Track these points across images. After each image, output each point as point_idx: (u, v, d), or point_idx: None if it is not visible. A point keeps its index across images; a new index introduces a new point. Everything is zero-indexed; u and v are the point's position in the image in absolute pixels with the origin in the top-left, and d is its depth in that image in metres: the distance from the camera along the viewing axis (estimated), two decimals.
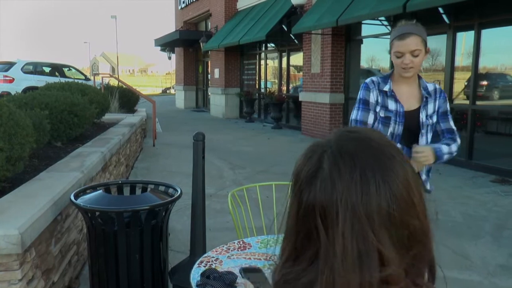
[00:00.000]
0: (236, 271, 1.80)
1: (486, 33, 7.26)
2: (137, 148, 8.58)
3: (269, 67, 15.51)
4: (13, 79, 13.56)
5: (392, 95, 2.34)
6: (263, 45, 15.28)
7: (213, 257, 1.98)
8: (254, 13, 14.41)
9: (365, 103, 2.39)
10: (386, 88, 2.35)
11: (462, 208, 5.23)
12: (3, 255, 2.13)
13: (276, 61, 14.77)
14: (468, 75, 7.63)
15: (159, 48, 23.56)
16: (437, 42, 7.99)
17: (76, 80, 10.73)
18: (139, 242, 2.60)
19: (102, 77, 13.07)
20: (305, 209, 0.73)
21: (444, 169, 7.05)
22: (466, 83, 7.74)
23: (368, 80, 2.43)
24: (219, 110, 17.27)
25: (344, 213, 0.68)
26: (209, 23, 18.58)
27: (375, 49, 10.58)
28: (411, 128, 2.33)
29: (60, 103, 4.97)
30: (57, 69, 15.65)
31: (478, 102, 7.47)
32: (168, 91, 47.06)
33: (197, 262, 1.92)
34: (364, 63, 10.71)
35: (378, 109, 2.37)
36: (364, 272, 0.67)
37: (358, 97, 2.44)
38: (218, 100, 17.45)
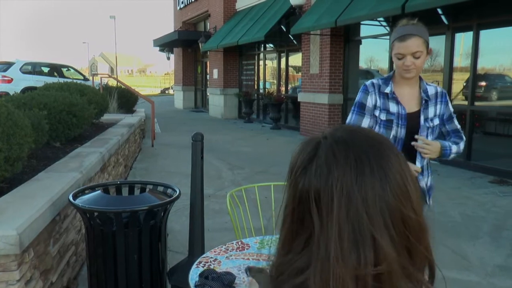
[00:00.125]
0: (235, 271, 1.80)
1: (484, 34, 7.27)
2: (135, 149, 8.58)
3: (268, 68, 15.51)
4: (12, 79, 13.54)
5: (393, 97, 2.29)
6: (262, 45, 15.29)
7: (211, 257, 1.98)
8: (253, 13, 14.41)
9: (361, 107, 2.35)
10: (387, 90, 2.30)
11: (461, 209, 5.23)
12: (1, 255, 2.13)
13: (275, 62, 14.78)
14: (466, 75, 7.64)
15: (158, 48, 23.55)
16: (436, 43, 7.99)
17: (74, 81, 10.74)
18: (137, 243, 2.60)
19: (101, 78, 13.05)
20: (300, 195, 0.73)
21: (443, 170, 7.06)
22: (464, 84, 7.75)
23: (368, 83, 2.37)
24: (218, 110, 17.27)
25: (339, 198, 0.68)
26: (208, 24, 18.58)
27: (374, 50, 10.59)
28: (413, 130, 2.28)
29: (59, 103, 4.97)
30: (55, 69, 15.63)
31: (476, 103, 7.48)
32: (167, 92, 46.99)
33: (196, 263, 1.92)
34: (363, 64, 10.72)
35: (378, 112, 2.31)
36: (360, 256, 0.67)
37: (355, 99, 2.40)
38: (216, 101, 17.45)
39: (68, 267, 3.11)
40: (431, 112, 2.31)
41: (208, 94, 19.01)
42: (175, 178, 6.43)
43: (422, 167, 2.31)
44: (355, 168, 0.70)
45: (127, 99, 11.53)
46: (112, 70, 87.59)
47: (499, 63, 7.50)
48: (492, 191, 6.04)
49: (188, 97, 21.98)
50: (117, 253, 2.58)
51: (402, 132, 2.27)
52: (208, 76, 19.35)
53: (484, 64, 7.46)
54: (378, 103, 2.31)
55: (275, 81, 14.75)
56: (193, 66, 22.06)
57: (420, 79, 2.34)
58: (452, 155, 2.31)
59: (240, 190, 2.83)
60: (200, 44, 17.07)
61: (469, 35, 7.42)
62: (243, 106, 15.75)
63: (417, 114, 2.29)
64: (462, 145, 2.37)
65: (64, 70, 15.97)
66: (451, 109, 2.42)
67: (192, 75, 22.03)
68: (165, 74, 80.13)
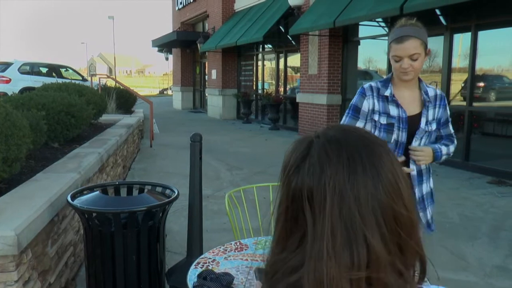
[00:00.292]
0: (233, 272, 1.80)
1: (483, 35, 7.29)
2: (134, 149, 8.57)
3: (266, 68, 15.52)
4: (10, 79, 13.52)
5: (393, 100, 2.23)
6: (261, 46, 15.29)
7: (210, 258, 1.98)
8: (251, 14, 14.42)
9: (356, 110, 2.30)
10: (387, 93, 2.23)
11: (459, 209, 5.24)
12: None
13: (274, 62, 14.78)
14: (465, 76, 7.65)
15: (156, 49, 23.56)
16: (434, 44, 8.00)
17: (73, 81, 10.73)
18: (136, 243, 2.60)
19: (100, 78, 13.03)
20: (293, 193, 0.74)
21: (441, 171, 7.06)
22: (463, 85, 7.77)
23: (366, 86, 2.31)
24: (216, 111, 17.27)
25: (332, 197, 0.69)
26: (207, 24, 18.59)
27: (372, 50, 10.59)
28: (408, 133, 2.23)
29: (57, 104, 4.96)
30: (54, 69, 15.61)
31: (475, 104, 7.49)
32: (165, 92, 47.01)
33: (194, 263, 1.92)
34: (361, 65, 10.73)
35: (377, 117, 2.24)
36: (353, 254, 0.67)
37: (351, 101, 2.35)
38: (215, 101, 17.45)
39: (66, 268, 3.11)
40: (430, 115, 2.26)
41: (206, 94, 19.00)
42: (173, 178, 6.42)
43: (420, 171, 2.29)
44: (347, 167, 0.70)
45: (125, 100, 11.51)
46: (110, 70, 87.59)
47: (498, 64, 7.51)
48: (490, 192, 6.05)
49: (186, 97, 21.97)
50: (116, 253, 2.58)
51: (403, 136, 2.21)
52: (206, 76, 19.35)
53: (483, 64, 7.48)
54: (377, 107, 2.25)
55: (274, 82, 14.75)
56: (192, 67, 22.06)
57: (420, 80, 2.29)
58: (443, 157, 2.30)
59: (239, 191, 2.83)
60: (198, 45, 17.06)
61: (468, 35, 7.44)
62: (242, 106, 15.75)
63: (418, 117, 2.24)
64: (452, 147, 2.35)
65: (62, 70, 15.95)
66: (448, 114, 2.37)
67: (190, 76, 22.02)
68: (163, 74, 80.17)
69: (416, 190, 2.27)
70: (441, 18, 7.95)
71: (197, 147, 3.07)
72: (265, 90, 15.06)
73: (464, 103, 7.60)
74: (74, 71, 16.74)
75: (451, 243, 4.19)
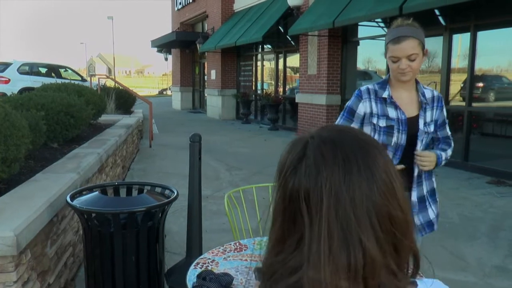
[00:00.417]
0: (233, 272, 1.80)
1: (482, 35, 7.29)
2: (133, 150, 8.57)
3: (265, 69, 15.53)
4: (9, 79, 13.51)
5: (392, 102, 2.19)
6: (260, 46, 15.30)
7: (209, 258, 1.98)
8: (250, 14, 14.42)
9: (350, 112, 2.27)
10: (385, 94, 2.20)
11: (459, 209, 5.24)
12: None
13: (273, 63, 14.79)
14: (464, 76, 7.66)
15: (155, 49, 23.55)
16: (434, 44, 8.01)
17: (72, 81, 10.72)
18: (135, 244, 2.60)
19: (99, 78, 13.03)
20: (290, 195, 0.74)
21: (440, 171, 7.05)
22: (462, 85, 7.77)
23: (363, 88, 2.26)
24: (216, 111, 17.27)
25: (328, 199, 0.70)
26: (206, 25, 18.59)
27: (371, 51, 10.60)
28: (414, 136, 2.21)
29: (57, 104, 4.96)
30: (53, 70, 15.60)
31: (474, 104, 7.50)
32: (164, 92, 47.00)
33: (193, 264, 1.92)
34: (360, 65, 10.73)
35: (376, 119, 2.20)
36: (350, 255, 0.68)
37: (347, 103, 2.32)
38: (214, 102, 17.45)
39: (66, 268, 3.11)
40: (428, 116, 2.24)
41: (206, 95, 19.00)
42: (172, 179, 6.42)
43: (421, 174, 2.26)
44: (343, 168, 0.71)
45: (125, 100, 11.51)
46: (109, 71, 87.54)
47: (497, 64, 7.52)
48: (489, 192, 6.05)
49: (186, 98, 21.97)
50: (115, 254, 2.58)
51: (403, 138, 2.18)
52: (206, 77, 19.35)
53: (482, 65, 7.49)
54: (375, 110, 2.22)
55: (273, 82, 14.75)
56: (191, 67, 22.06)
57: (417, 82, 2.25)
58: (443, 162, 2.29)
59: (238, 191, 2.83)
60: (198, 45, 17.06)
61: (467, 36, 7.45)
62: (241, 107, 15.76)
63: (416, 119, 2.21)
64: (450, 151, 2.33)
65: (61, 70, 15.94)
66: (445, 115, 2.34)
67: (190, 76, 22.02)
68: (163, 75, 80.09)
69: (416, 191, 2.25)
70: (440, 18, 7.96)
71: (196, 147, 3.07)
72: (264, 91, 15.07)
73: (463, 104, 7.61)
74: (73, 71, 16.73)
75: (451, 243, 4.19)
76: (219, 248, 2.09)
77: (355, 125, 2.25)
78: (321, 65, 10.75)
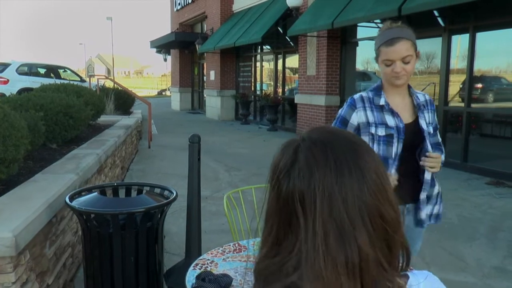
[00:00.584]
0: (232, 273, 1.80)
1: (481, 36, 7.30)
2: (132, 150, 8.56)
3: (264, 69, 15.53)
4: (8, 80, 13.50)
5: (389, 108, 2.10)
6: (259, 47, 15.30)
7: (208, 259, 1.98)
8: (249, 15, 14.42)
9: (343, 122, 2.17)
10: (381, 102, 2.10)
11: (458, 210, 5.25)
12: None
13: (272, 63, 14.79)
14: (463, 77, 7.66)
15: (154, 50, 23.55)
16: (433, 45, 8.02)
17: (71, 82, 10.71)
18: (134, 245, 2.59)
19: (98, 79, 13.03)
20: (284, 197, 0.76)
21: (440, 172, 7.04)
22: (461, 86, 7.78)
23: (356, 97, 2.15)
24: (215, 112, 17.27)
25: (321, 200, 0.72)
26: (205, 25, 18.59)
27: (370, 52, 10.56)
28: (410, 143, 2.12)
29: (55, 104, 4.95)
30: (52, 70, 15.59)
31: (473, 105, 7.51)
32: (163, 93, 47.02)
33: (193, 265, 1.92)
34: (359, 66, 10.74)
35: (374, 129, 2.09)
36: (347, 252, 0.70)
37: (339, 112, 2.21)
38: (213, 102, 17.45)
39: (65, 269, 3.10)
40: (427, 117, 2.17)
41: (205, 95, 19.01)
42: (172, 179, 6.42)
43: (433, 177, 2.22)
44: (335, 170, 0.73)
45: (124, 101, 11.51)
46: (108, 71, 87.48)
47: (495, 65, 7.53)
48: (488, 193, 6.06)
49: (185, 98, 21.97)
50: (114, 255, 2.57)
51: (400, 146, 2.10)
52: (205, 77, 19.35)
53: (481, 66, 7.49)
54: (372, 119, 2.11)
55: (272, 83, 14.76)
56: (190, 68, 22.06)
57: (409, 86, 2.17)
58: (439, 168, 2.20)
59: (237, 192, 2.83)
60: (197, 46, 17.07)
61: (466, 37, 7.45)
62: (240, 107, 15.76)
63: (412, 125, 2.13)
64: (442, 157, 2.21)
65: (60, 71, 15.94)
66: (436, 120, 2.26)
67: (189, 77, 22.02)
68: (162, 75, 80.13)
69: (426, 191, 2.20)
70: (439, 19, 7.96)
71: (195, 148, 3.07)
72: (263, 91, 15.07)
73: (462, 104, 7.62)
74: (73, 72, 16.73)
75: (450, 244, 4.19)
76: (218, 249, 2.09)
77: None
78: (320, 66, 10.76)
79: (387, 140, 2.09)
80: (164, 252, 3.15)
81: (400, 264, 0.79)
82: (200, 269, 1.87)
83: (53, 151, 4.63)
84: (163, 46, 21.38)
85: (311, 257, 0.71)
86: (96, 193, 2.83)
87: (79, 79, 15.63)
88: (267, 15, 12.94)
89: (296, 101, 11.90)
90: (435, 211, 2.32)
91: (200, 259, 1.99)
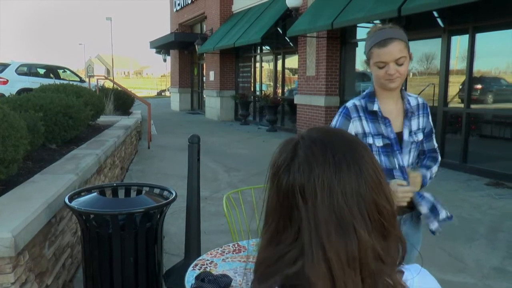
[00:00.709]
0: (231, 274, 1.79)
1: (480, 37, 7.31)
2: (132, 151, 8.56)
3: (264, 70, 15.53)
4: (7, 80, 13.50)
5: (383, 117, 1.97)
6: (259, 47, 15.30)
7: (208, 260, 1.97)
8: (249, 15, 14.43)
9: None
10: (375, 107, 1.96)
11: (457, 211, 5.24)
12: None
13: (272, 64, 14.80)
14: (462, 78, 7.66)
15: (154, 50, 23.54)
16: (432, 46, 8.02)
17: (71, 82, 10.71)
18: (133, 245, 2.59)
19: (97, 79, 13.03)
20: (284, 191, 0.78)
21: (439, 173, 7.01)
22: (460, 87, 7.78)
23: (350, 105, 2.01)
24: (214, 112, 17.27)
25: (321, 193, 0.74)
26: (204, 26, 18.59)
27: None
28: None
29: (55, 105, 4.95)
30: (51, 70, 15.59)
31: (472, 106, 7.51)
32: (163, 94, 47.02)
33: (192, 265, 1.92)
34: (359, 66, 10.74)
35: (371, 139, 1.96)
36: (347, 242, 0.73)
37: (332, 122, 2.05)
38: (213, 103, 17.44)
39: (64, 270, 3.10)
40: (414, 125, 2.02)
41: (204, 96, 19.00)
42: (171, 180, 6.42)
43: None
44: (333, 165, 0.76)
45: (123, 101, 11.50)
46: (108, 71, 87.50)
47: (495, 66, 7.54)
48: (488, 194, 6.06)
49: (184, 99, 21.97)
50: (113, 255, 2.57)
51: (402, 158, 1.98)
52: (204, 78, 19.35)
53: (480, 67, 7.49)
54: (368, 129, 1.98)
55: (272, 83, 14.76)
56: (190, 68, 22.06)
57: (401, 90, 2.03)
58: (429, 182, 2.10)
59: (237, 192, 2.83)
60: (196, 46, 17.07)
61: (465, 38, 7.45)
62: (240, 108, 15.76)
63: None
64: (435, 168, 2.13)
65: (60, 71, 15.93)
66: (432, 125, 2.13)
67: (188, 77, 22.02)
68: (161, 76, 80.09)
69: (424, 205, 2.15)
70: (438, 20, 7.96)
71: (195, 148, 3.07)
72: (263, 92, 15.07)
73: (462, 105, 7.62)
74: (72, 72, 16.73)
75: (449, 245, 4.19)
76: (218, 249, 2.09)
77: None
78: (320, 67, 10.76)
79: (386, 151, 1.98)
80: (164, 253, 3.15)
81: (398, 260, 0.81)
82: (199, 269, 1.87)
83: (53, 151, 4.63)
84: (162, 46, 21.38)
85: (314, 248, 0.73)
86: (95, 194, 2.83)
87: (79, 80, 15.62)
88: (267, 15, 12.94)
89: (295, 101, 11.90)
90: (443, 216, 2.24)
91: (199, 260, 1.99)
